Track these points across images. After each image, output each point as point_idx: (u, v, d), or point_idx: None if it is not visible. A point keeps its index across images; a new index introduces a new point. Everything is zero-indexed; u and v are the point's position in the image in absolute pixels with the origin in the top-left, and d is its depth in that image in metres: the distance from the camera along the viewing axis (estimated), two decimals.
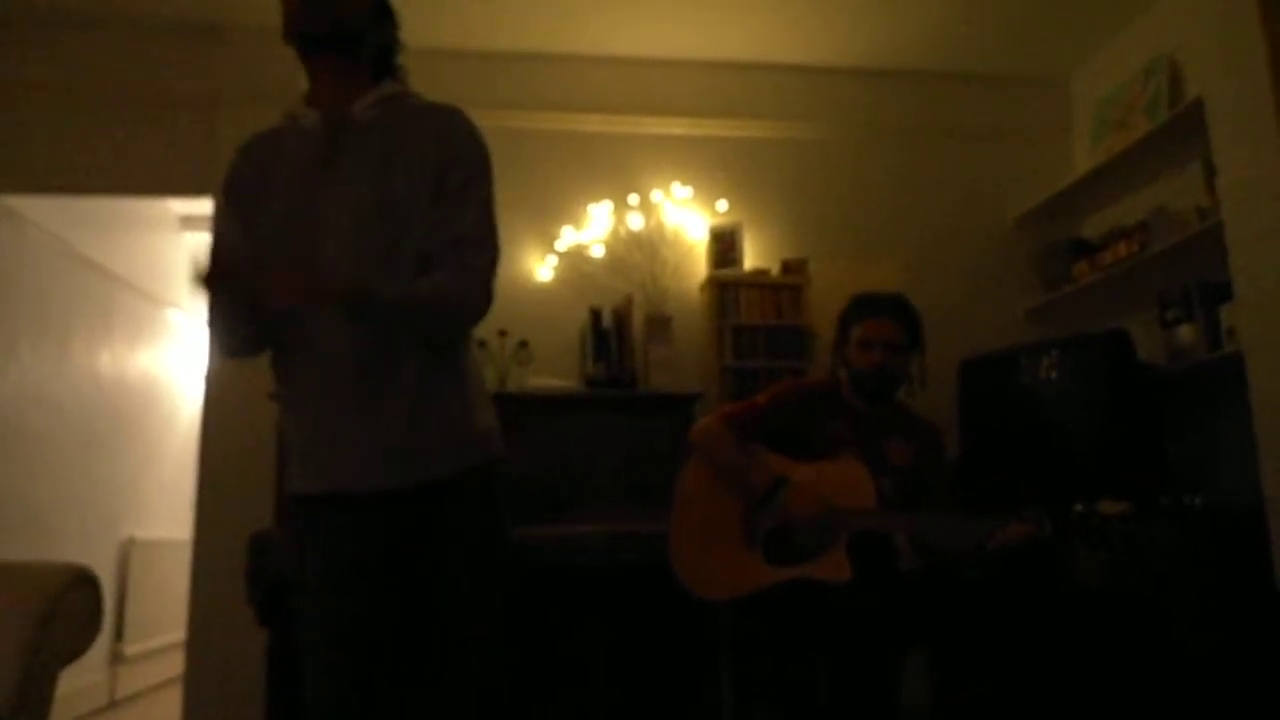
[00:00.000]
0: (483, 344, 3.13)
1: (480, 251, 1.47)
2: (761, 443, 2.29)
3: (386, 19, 1.56)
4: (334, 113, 1.48)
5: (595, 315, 3.32)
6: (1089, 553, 2.07)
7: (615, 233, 3.56)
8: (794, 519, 2.15)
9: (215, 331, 1.49)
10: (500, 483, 1.53)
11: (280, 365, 1.51)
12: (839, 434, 2.27)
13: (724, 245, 3.58)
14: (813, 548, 2.14)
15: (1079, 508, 1.97)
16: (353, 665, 1.41)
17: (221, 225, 1.54)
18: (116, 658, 4.07)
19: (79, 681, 3.65)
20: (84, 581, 1.72)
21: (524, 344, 3.28)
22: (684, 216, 3.62)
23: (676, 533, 2.27)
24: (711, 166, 3.72)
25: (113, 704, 4.03)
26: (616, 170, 3.65)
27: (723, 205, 3.63)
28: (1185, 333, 3.00)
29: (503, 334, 3.23)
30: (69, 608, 1.67)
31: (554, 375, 3.31)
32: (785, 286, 3.51)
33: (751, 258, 3.63)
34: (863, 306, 2.36)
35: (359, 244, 1.43)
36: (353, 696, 1.40)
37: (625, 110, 3.72)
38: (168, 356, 4.87)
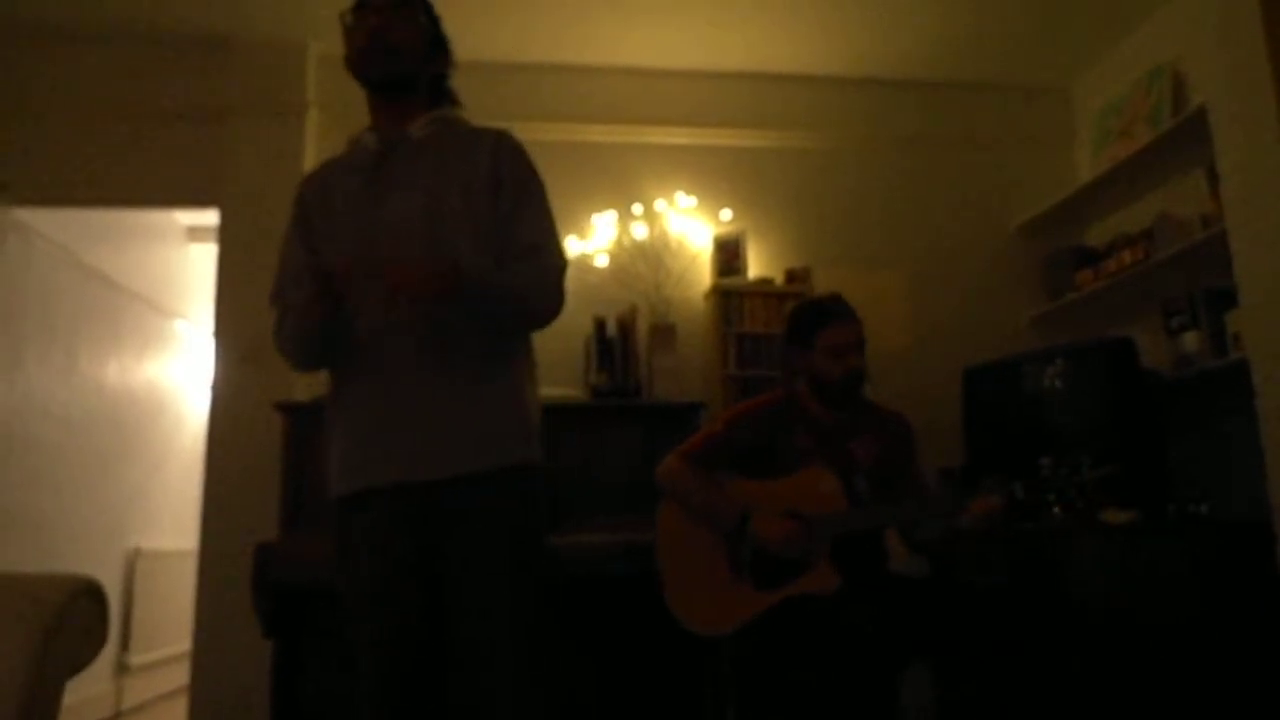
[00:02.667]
0: None
1: (554, 255, 1.58)
2: (728, 470, 2.28)
3: (441, 51, 1.66)
4: (392, 133, 1.59)
5: (600, 324, 3.32)
6: (1061, 509, 2.01)
7: (619, 242, 3.56)
8: (768, 543, 2.14)
9: (307, 343, 1.53)
10: (542, 488, 1.57)
11: (339, 367, 1.56)
12: (803, 445, 2.26)
13: (728, 254, 3.59)
14: (798, 564, 2.13)
15: (1045, 461, 1.95)
16: (399, 666, 1.43)
17: (287, 249, 1.63)
18: (122, 668, 4.07)
19: (85, 692, 3.65)
20: (89, 592, 1.72)
21: None
22: (688, 226, 3.63)
23: (668, 576, 2.27)
24: (715, 176, 3.73)
25: (118, 715, 4.03)
26: (620, 180, 3.66)
27: (726, 214, 3.64)
28: (1190, 340, 2.99)
29: None
30: (74, 618, 1.67)
31: (558, 384, 3.30)
32: (789, 295, 3.51)
33: (755, 267, 3.63)
34: (823, 313, 2.31)
35: (407, 252, 1.47)
36: (398, 699, 1.43)
37: (629, 120, 3.74)
38: (174, 367, 4.89)
